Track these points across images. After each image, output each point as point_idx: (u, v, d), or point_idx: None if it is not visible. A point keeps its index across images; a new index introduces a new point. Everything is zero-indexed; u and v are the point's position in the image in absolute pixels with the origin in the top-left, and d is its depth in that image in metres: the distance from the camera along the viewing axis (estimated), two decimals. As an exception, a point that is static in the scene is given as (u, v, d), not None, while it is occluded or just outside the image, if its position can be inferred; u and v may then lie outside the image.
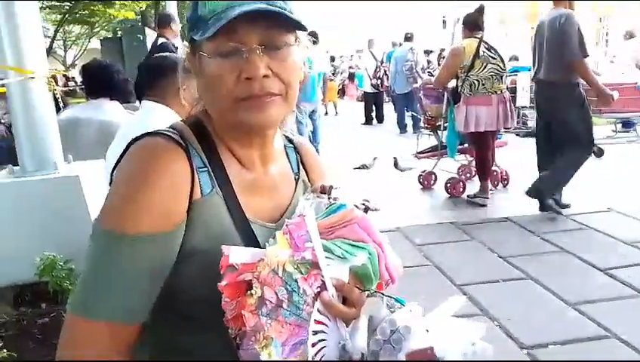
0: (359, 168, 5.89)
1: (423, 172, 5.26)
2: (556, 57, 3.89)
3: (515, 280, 3.02)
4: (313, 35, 4.76)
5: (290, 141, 1.04)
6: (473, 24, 4.47)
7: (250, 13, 0.75)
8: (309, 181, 1.01)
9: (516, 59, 9.32)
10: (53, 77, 4.70)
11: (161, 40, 5.76)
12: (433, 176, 5.23)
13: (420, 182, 5.25)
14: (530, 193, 4.11)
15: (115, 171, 0.82)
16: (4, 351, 1.73)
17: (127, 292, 0.75)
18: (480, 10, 4.51)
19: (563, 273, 3.08)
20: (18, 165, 2.77)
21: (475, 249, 3.55)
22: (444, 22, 22.08)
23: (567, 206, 4.19)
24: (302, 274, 0.73)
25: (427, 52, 13.18)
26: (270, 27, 0.79)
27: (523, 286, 2.94)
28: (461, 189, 4.83)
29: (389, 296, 0.81)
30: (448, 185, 4.88)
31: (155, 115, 1.91)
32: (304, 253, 0.74)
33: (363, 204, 0.86)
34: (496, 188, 5.00)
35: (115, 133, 2.16)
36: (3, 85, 2.74)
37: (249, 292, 0.72)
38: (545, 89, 4.12)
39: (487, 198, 4.55)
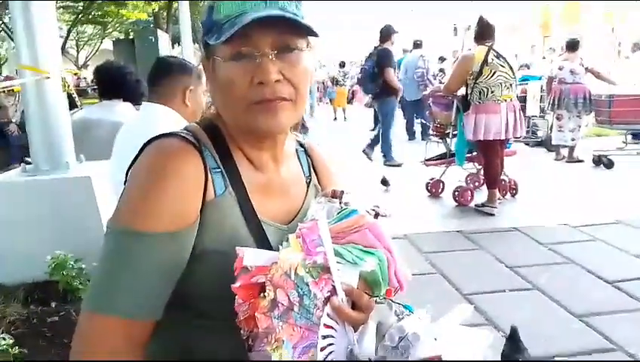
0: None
1: (431, 180, 5.26)
2: None
3: (522, 290, 3.01)
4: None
5: (302, 145, 1.06)
6: (484, 32, 4.47)
7: (264, 19, 0.77)
8: (319, 184, 1.03)
9: (527, 67, 9.27)
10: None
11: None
12: (441, 183, 5.22)
13: (427, 189, 5.24)
14: None
15: (130, 170, 0.84)
16: (16, 348, 1.75)
17: (141, 289, 0.77)
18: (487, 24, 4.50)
19: (570, 284, 3.07)
20: (31, 163, 2.81)
21: (482, 258, 3.54)
22: (455, 29, 22.06)
23: None
24: (313, 278, 0.74)
25: (441, 59, 13.14)
26: (283, 33, 0.81)
27: (530, 296, 2.93)
28: (469, 198, 4.82)
29: (397, 303, 0.82)
30: (456, 193, 4.87)
31: (157, 116, 1.93)
32: (316, 257, 0.75)
33: (373, 210, 0.87)
34: (504, 197, 4.98)
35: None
36: (18, 85, 2.78)
37: (262, 294, 0.73)
38: None
39: (495, 208, 4.53)
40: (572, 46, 6.55)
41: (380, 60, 6.54)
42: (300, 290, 0.73)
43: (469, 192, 4.85)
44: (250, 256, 0.75)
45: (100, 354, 0.76)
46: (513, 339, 1.03)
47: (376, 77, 6.56)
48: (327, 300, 0.75)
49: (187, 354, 0.87)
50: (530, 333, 2.48)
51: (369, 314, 0.81)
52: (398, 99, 6.87)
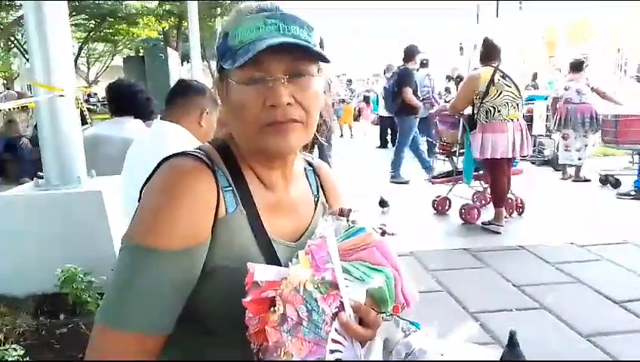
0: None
1: (438, 197, 5.27)
2: None
3: (529, 309, 3.00)
4: None
5: (311, 164, 1.08)
6: (489, 53, 4.52)
7: (277, 46, 0.80)
8: (327, 203, 1.05)
9: (535, 87, 9.28)
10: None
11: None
12: (447, 201, 5.23)
13: (434, 207, 5.25)
14: None
15: (144, 188, 0.87)
16: (27, 358, 1.77)
17: (153, 305, 0.78)
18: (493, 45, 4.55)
19: (577, 304, 3.05)
20: (43, 178, 2.85)
21: (488, 276, 3.53)
22: (461, 48, 22.19)
23: None
24: (321, 293, 0.76)
25: (449, 78, 13.18)
26: (295, 59, 0.83)
27: (537, 315, 2.92)
28: (476, 216, 4.82)
29: (404, 319, 0.83)
30: (463, 211, 4.87)
31: (167, 134, 1.98)
32: (324, 274, 0.76)
33: (380, 228, 0.89)
34: (510, 215, 4.97)
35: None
36: (32, 102, 2.84)
37: (272, 308, 0.75)
38: None
39: (502, 226, 4.53)
40: (576, 67, 6.58)
41: (400, 80, 6.67)
42: (308, 306, 0.75)
43: (476, 210, 4.85)
44: (261, 272, 0.77)
45: None
46: (512, 344, 1.04)
47: (396, 96, 6.68)
48: (335, 316, 0.76)
49: None
50: (537, 352, 2.48)
51: (376, 330, 0.82)
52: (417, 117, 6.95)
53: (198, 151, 0.90)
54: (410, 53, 6.78)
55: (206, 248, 0.83)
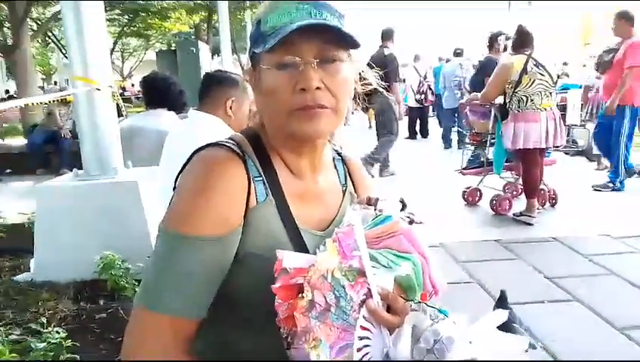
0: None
1: (468, 188, 5.20)
2: None
3: (561, 301, 2.95)
4: None
5: (339, 154, 1.09)
6: (523, 40, 4.42)
7: (308, 28, 0.81)
8: (355, 193, 1.07)
9: (566, 75, 9.02)
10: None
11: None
12: (478, 192, 5.16)
13: (464, 198, 5.19)
14: None
15: (179, 178, 0.90)
16: (69, 341, 1.86)
17: (187, 289, 0.82)
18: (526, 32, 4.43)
19: (611, 296, 2.98)
20: (82, 169, 2.96)
21: (520, 268, 3.49)
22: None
23: None
24: (349, 281, 0.77)
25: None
26: (325, 42, 0.84)
27: (569, 307, 2.87)
28: (507, 207, 4.74)
29: (432, 307, 0.84)
30: (494, 202, 4.80)
31: (202, 124, 2.04)
32: (352, 261, 0.78)
33: (408, 217, 0.90)
34: (543, 207, 4.87)
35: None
36: (70, 94, 2.94)
37: (300, 295, 0.77)
38: None
39: (534, 217, 4.44)
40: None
41: (483, 69, 6.04)
42: (336, 292, 0.76)
43: (507, 201, 4.77)
44: (290, 259, 0.78)
45: (149, 348, 0.81)
46: (501, 299, 1.03)
47: (479, 86, 5.92)
48: (363, 303, 0.77)
49: (230, 351, 0.91)
50: (570, 345, 2.44)
51: (404, 317, 0.83)
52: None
53: (229, 141, 0.92)
54: (493, 40, 6.12)
55: (238, 236, 0.85)
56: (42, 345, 1.82)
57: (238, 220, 0.85)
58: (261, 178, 0.90)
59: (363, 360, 0.77)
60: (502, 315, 0.84)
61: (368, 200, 0.92)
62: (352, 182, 1.08)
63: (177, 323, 0.81)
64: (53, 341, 1.83)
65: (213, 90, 2.13)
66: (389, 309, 0.81)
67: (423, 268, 0.82)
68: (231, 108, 2.08)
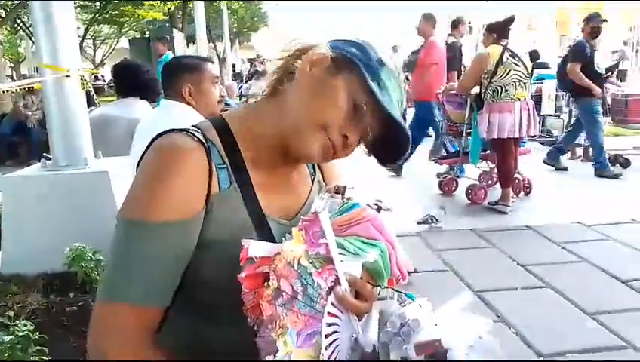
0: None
1: (444, 178, 5.25)
2: None
3: (535, 288, 3.01)
4: None
5: None
6: (499, 31, 4.45)
7: (389, 116, 0.85)
8: (324, 181, 1.06)
9: (546, 66, 9.05)
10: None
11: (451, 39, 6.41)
12: (454, 182, 5.22)
13: (440, 188, 5.24)
14: None
15: (138, 164, 0.88)
16: (37, 333, 1.81)
17: (149, 277, 0.80)
18: (509, 20, 4.48)
19: (583, 283, 3.06)
20: (50, 159, 2.88)
21: (494, 256, 3.54)
22: (470, 28, 21.84)
23: None
24: (316, 268, 0.76)
25: None
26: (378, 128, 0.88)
27: (542, 294, 2.93)
28: (482, 196, 4.80)
29: (399, 291, 0.84)
30: (469, 191, 4.86)
31: (173, 112, 2.00)
32: (318, 249, 0.77)
33: (376, 204, 0.90)
34: (517, 196, 4.95)
35: (143, 131, 2.25)
36: (38, 82, 2.85)
37: (266, 283, 0.76)
38: None
39: (509, 206, 4.51)
40: None
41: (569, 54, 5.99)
42: (303, 280, 0.75)
43: (483, 190, 4.84)
44: (255, 248, 0.77)
45: (112, 339, 0.79)
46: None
47: (563, 73, 6.03)
48: (331, 290, 0.77)
49: (198, 342, 0.90)
50: (542, 331, 2.49)
51: (372, 303, 0.83)
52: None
53: (192, 128, 0.90)
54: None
55: (199, 222, 0.83)
56: (9, 337, 1.77)
57: (199, 205, 0.83)
58: (225, 166, 0.88)
59: (331, 347, 0.76)
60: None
61: (336, 189, 0.91)
62: (321, 171, 1.07)
63: (139, 313, 0.80)
64: (20, 334, 1.78)
65: (169, 78, 2.10)
66: (357, 295, 0.81)
67: (389, 254, 0.82)
68: (190, 95, 2.04)
